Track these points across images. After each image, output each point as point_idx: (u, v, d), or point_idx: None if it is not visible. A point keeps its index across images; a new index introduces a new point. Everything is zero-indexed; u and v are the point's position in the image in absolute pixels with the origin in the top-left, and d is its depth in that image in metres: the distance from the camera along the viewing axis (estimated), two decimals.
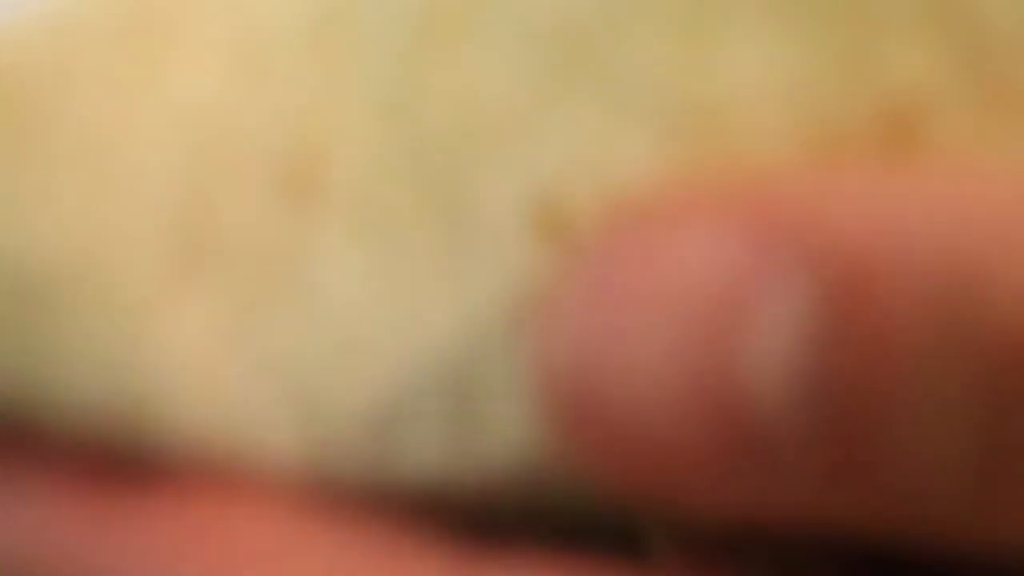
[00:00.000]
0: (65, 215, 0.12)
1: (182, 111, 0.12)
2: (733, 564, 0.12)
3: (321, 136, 0.12)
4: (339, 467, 0.13)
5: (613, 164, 0.12)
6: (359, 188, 0.12)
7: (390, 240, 0.12)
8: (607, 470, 0.11)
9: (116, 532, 0.12)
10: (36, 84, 0.12)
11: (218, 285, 0.13)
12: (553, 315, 0.11)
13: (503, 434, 0.13)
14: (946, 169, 0.12)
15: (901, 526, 0.11)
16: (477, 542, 0.12)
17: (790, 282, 0.11)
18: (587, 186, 0.12)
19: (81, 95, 0.12)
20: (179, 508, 0.12)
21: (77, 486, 0.13)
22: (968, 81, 0.12)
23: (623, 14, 0.12)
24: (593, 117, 0.12)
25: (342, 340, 0.13)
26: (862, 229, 0.11)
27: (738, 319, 0.11)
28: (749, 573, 0.12)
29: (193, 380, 0.13)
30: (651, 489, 0.11)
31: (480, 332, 0.12)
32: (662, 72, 0.12)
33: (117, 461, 0.13)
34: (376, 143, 0.12)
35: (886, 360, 0.11)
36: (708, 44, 0.12)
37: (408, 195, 0.12)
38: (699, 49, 0.12)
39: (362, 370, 0.13)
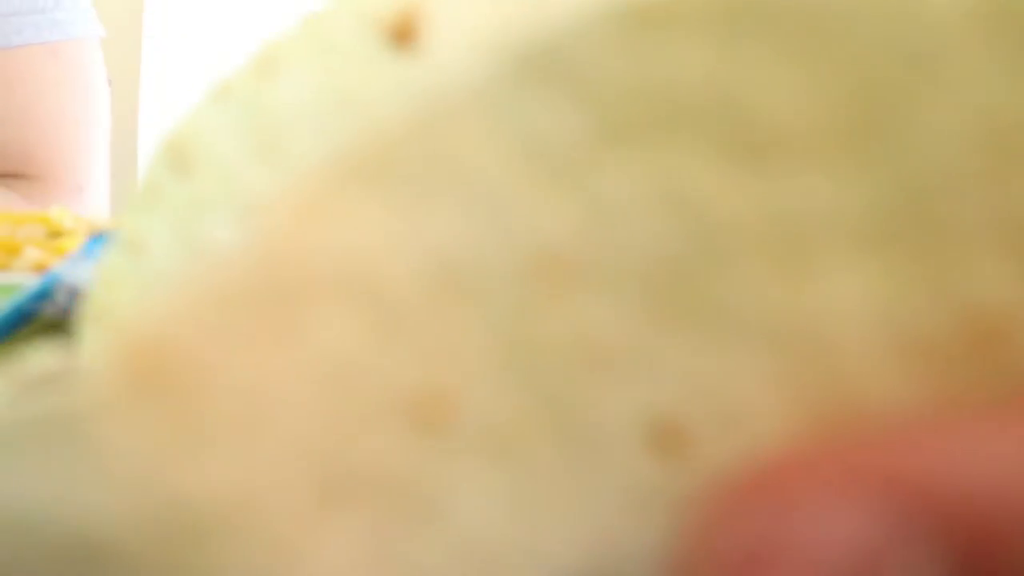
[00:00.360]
0: (220, 462, 0.13)
1: (318, 360, 0.13)
2: None
3: (448, 374, 0.13)
4: None
5: (724, 385, 0.13)
6: (485, 419, 0.13)
7: (518, 465, 0.13)
8: None
9: None
10: (189, 347, 0.13)
11: (357, 515, 0.13)
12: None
13: None
14: None
15: None
16: None
17: (923, 550, 0.11)
18: (702, 405, 0.13)
19: (228, 353, 0.13)
20: None
21: None
22: None
23: (721, 252, 0.13)
24: (702, 346, 0.13)
25: (479, 560, 0.13)
26: (985, 491, 0.11)
27: None
28: None
29: None
30: None
31: (610, 545, 0.13)
32: (763, 303, 0.13)
33: None
34: (499, 378, 0.13)
35: None
36: (804, 275, 0.13)
37: (531, 422, 0.13)
38: (796, 280, 0.13)
39: None
